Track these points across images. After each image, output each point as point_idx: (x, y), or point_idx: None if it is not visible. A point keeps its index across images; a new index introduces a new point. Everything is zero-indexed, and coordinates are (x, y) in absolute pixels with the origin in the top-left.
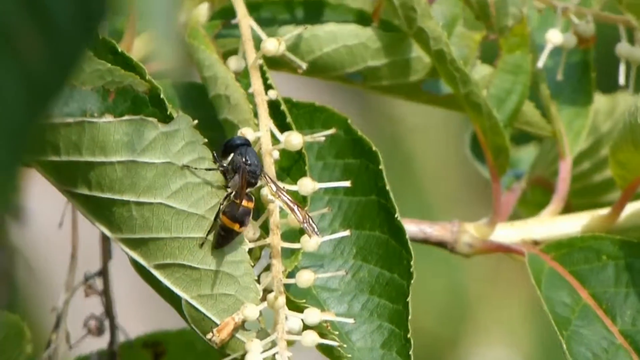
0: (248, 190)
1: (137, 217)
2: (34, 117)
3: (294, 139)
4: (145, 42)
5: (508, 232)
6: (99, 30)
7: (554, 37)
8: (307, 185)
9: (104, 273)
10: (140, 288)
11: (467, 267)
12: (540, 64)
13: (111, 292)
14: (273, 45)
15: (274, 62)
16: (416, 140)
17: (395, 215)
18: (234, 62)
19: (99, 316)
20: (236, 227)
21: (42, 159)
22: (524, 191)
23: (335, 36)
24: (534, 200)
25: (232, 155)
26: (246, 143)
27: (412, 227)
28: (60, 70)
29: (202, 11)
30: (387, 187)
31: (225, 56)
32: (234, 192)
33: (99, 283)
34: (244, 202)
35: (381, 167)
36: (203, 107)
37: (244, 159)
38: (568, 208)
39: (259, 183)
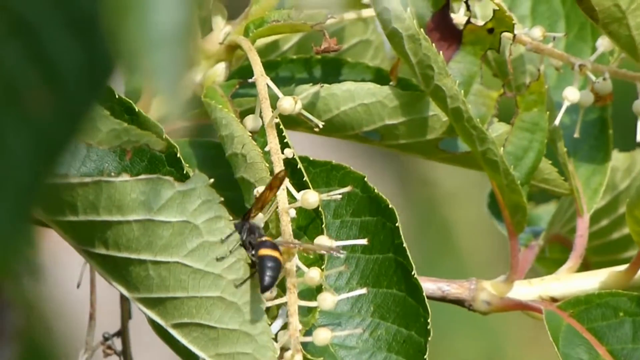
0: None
1: (154, 277)
2: (41, 173)
3: (311, 197)
4: (163, 101)
5: (526, 290)
6: (109, 87)
7: (571, 94)
8: (324, 243)
9: (123, 333)
10: (159, 348)
11: (503, 329)
12: (557, 121)
13: (130, 353)
14: (289, 103)
15: (291, 121)
16: (452, 203)
17: (412, 273)
18: (250, 121)
19: None
20: (277, 254)
21: (60, 219)
22: (542, 249)
23: (352, 95)
24: (552, 257)
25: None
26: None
27: (430, 285)
28: (67, 125)
29: (219, 70)
30: (404, 245)
31: (242, 115)
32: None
33: (117, 343)
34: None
35: (397, 224)
36: (220, 166)
37: None
38: (586, 265)
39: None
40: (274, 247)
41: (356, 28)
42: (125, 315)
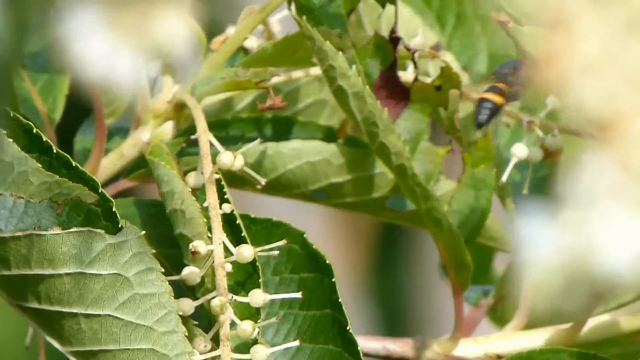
0: None
1: (85, 330)
2: None
3: (246, 251)
4: (112, 160)
5: (471, 348)
6: (48, 142)
7: (519, 150)
8: (258, 296)
9: None
10: None
11: None
12: (504, 178)
13: None
14: (228, 158)
15: (237, 179)
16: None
17: (347, 328)
18: (192, 178)
19: None
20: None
21: None
22: (494, 307)
23: (299, 153)
24: (505, 317)
25: None
26: None
27: (374, 344)
28: None
29: (167, 129)
30: (340, 300)
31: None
32: None
33: None
34: None
35: (334, 280)
36: (163, 224)
37: None
38: (538, 323)
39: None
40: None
41: (312, 88)
42: None
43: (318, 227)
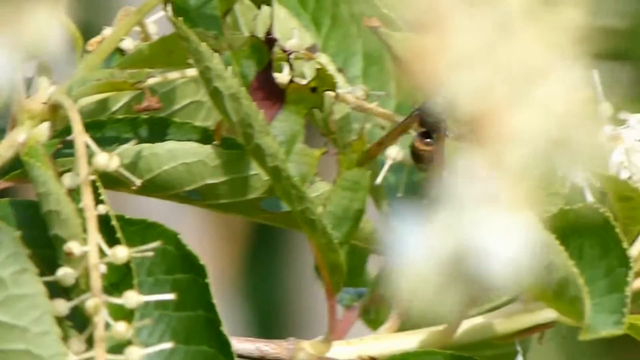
0: None
1: None
2: None
3: (120, 252)
4: None
5: (344, 350)
6: None
7: (394, 153)
8: (132, 297)
9: None
10: None
11: None
12: (379, 180)
13: None
14: (104, 159)
15: (113, 180)
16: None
17: (221, 329)
18: (68, 179)
19: None
20: None
21: None
22: (367, 309)
23: (174, 154)
24: (379, 319)
25: None
26: None
27: (248, 345)
28: None
29: (43, 130)
30: (214, 301)
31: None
32: None
33: None
34: None
35: (208, 280)
36: (39, 224)
37: None
38: (413, 326)
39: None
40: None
41: (188, 89)
42: None
43: (191, 227)
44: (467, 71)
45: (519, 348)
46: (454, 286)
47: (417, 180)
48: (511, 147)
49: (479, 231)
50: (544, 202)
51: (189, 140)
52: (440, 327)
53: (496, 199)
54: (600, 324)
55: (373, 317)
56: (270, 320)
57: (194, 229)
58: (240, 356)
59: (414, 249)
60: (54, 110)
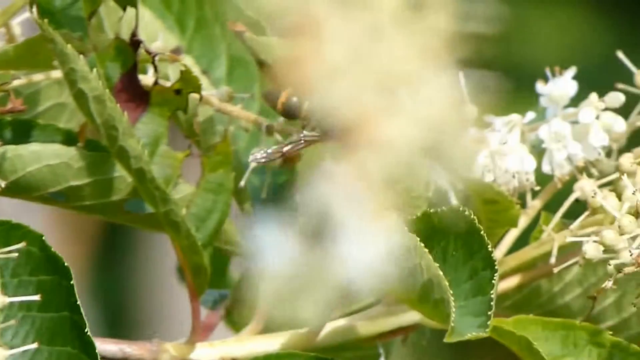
0: None
1: None
2: None
3: None
4: None
5: (207, 351)
6: None
7: (257, 156)
8: None
9: None
10: None
11: None
12: (243, 182)
13: None
14: None
15: None
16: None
17: (85, 331)
18: None
19: None
20: None
21: None
22: (230, 311)
23: (38, 156)
24: (242, 321)
25: None
26: None
27: (111, 347)
28: None
29: None
30: (78, 303)
31: None
32: None
33: None
34: None
35: (72, 282)
36: None
37: None
38: (277, 328)
39: None
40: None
41: (52, 91)
42: None
43: (41, 227)
44: (338, 78)
45: (381, 350)
46: (315, 290)
47: (280, 183)
48: (379, 152)
49: (342, 235)
50: (408, 206)
51: (53, 142)
52: (304, 330)
53: (360, 203)
54: (466, 327)
55: (236, 319)
56: (118, 321)
57: (43, 230)
58: (103, 357)
59: (277, 252)
60: None
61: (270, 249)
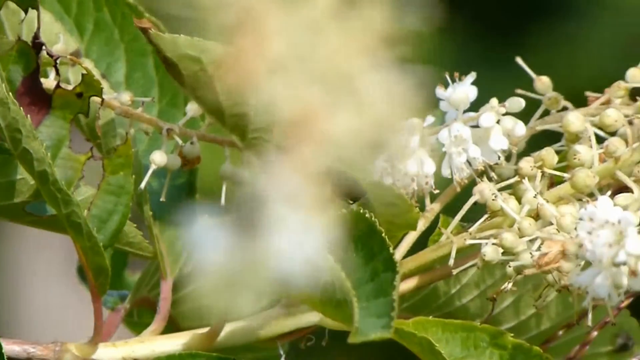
0: None
1: None
2: None
3: None
4: None
5: (110, 352)
6: None
7: (158, 158)
8: None
9: None
10: None
11: None
12: (143, 185)
13: None
14: None
15: None
16: None
17: None
18: None
19: None
20: None
21: None
22: (130, 312)
23: None
24: (142, 321)
25: None
26: None
27: (15, 347)
28: None
29: None
30: None
31: None
32: None
33: None
34: None
35: None
36: None
37: None
38: (177, 330)
39: None
40: None
41: None
42: None
43: None
44: (278, 73)
45: (281, 351)
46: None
47: (180, 185)
48: (318, 147)
49: (276, 232)
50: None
51: None
52: (204, 330)
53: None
54: (369, 328)
55: (136, 319)
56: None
57: None
58: (9, 358)
59: (212, 246)
60: None
61: (201, 247)
